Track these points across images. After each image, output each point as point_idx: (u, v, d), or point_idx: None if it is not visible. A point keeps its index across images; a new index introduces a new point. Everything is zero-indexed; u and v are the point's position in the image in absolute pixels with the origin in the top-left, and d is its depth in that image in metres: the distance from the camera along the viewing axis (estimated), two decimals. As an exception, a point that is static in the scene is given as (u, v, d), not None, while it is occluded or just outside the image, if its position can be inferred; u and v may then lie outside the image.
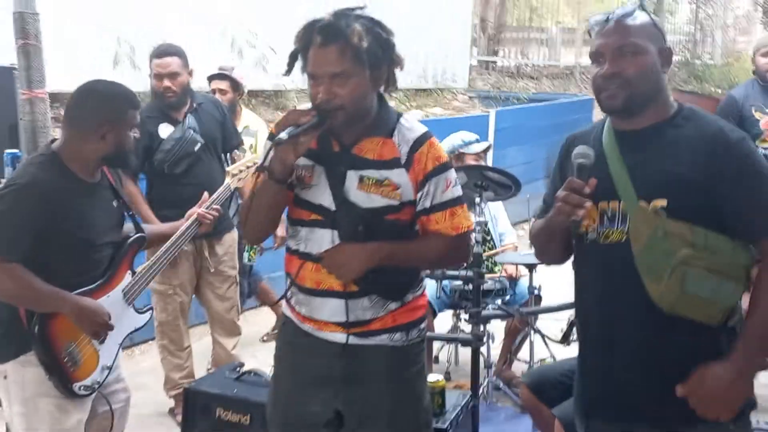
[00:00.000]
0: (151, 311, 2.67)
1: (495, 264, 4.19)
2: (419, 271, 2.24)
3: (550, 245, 2.12)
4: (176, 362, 3.85)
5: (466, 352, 3.94)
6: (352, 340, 2.13)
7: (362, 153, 2.08)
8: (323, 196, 2.08)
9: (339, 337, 2.14)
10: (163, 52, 3.67)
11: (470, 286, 3.49)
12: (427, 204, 2.10)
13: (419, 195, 2.10)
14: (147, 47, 4.00)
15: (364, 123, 2.08)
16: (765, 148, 4.28)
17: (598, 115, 11.55)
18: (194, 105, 3.77)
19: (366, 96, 2.04)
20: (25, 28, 2.97)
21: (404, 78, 7.96)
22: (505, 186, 3.57)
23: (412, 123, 2.16)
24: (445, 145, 4.29)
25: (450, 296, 3.99)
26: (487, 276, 3.80)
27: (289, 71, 2.06)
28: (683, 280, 1.85)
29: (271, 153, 2.01)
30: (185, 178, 3.68)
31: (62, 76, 6.19)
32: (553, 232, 2.05)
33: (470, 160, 4.05)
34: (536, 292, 3.94)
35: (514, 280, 4.06)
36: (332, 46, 1.96)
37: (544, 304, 4.06)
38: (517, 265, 4.01)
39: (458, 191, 2.16)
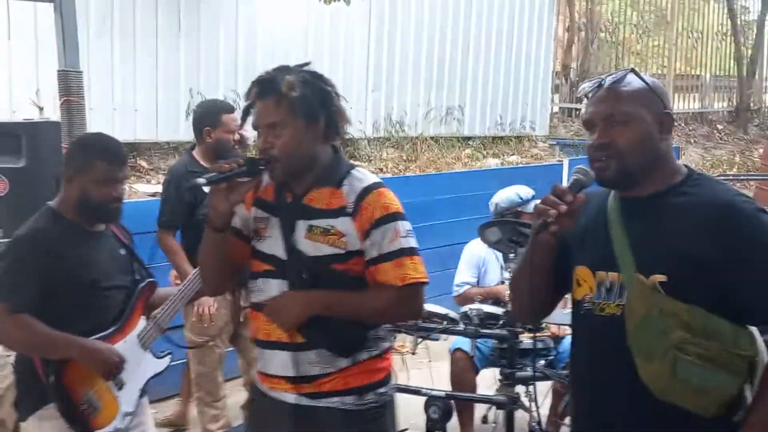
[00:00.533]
0: (170, 356, 2.68)
1: (542, 322, 4.03)
2: (370, 328, 2.14)
3: (531, 282, 1.86)
4: (213, 413, 3.86)
5: (520, 413, 3.77)
6: (303, 401, 2.10)
7: (311, 203, 2.10)
8: (276, 247, 2.11)
9: (289, 397, 2.12)
10: (232, 107, 3.85)
11: (506, 345, 3.37)
12: (374, 254, 2.07)
13: (366, 244, 2.07)
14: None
15: (314, 173, 2.11)
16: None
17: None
18: None
19: (302, 146, 2.06)
20: (69, 85, 3.11)
21: (481, 125, 8.03)
22: (541, 242, 3.45)
23: (364, 174, 2.17)
24: (500, 200, 4.20)
25: (490, 354, 3.86)
26: (527, 335, 3.66)
27: (242, 125, 2.29)
28: (674, 365, 1.70)
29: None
30: None
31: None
32: (531, 260, 1.84)
33: (527, 219, 3.94)
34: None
35: (558, 339, 3.89)
36: (268, 98, 2.04)
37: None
38: (559, 325, 3.84)
39: (409, 242, 2.10)
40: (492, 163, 9.07)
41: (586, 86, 1.86)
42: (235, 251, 2.15)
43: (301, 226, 2.09)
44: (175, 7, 6.65)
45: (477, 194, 5.96)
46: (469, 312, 3.50)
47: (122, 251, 2.56)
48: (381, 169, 8.13)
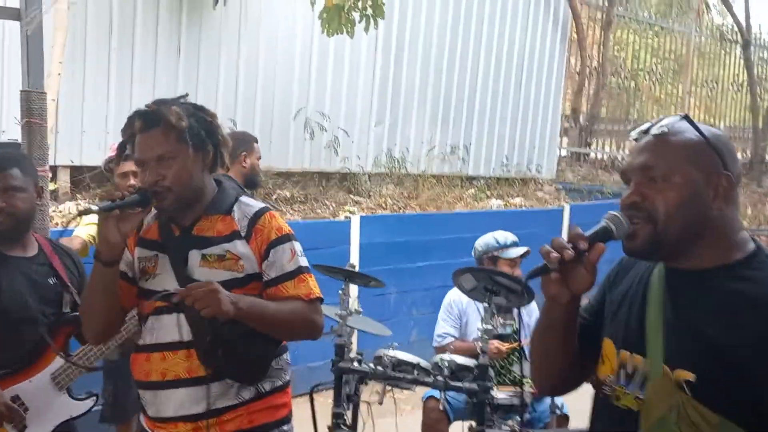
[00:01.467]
0: (94, 398, 2.48)
1: (523, 377, 3.83)
2: (272, 356, 2.12)
3: (549, 347, 1.61)
4: None
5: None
6: None
7: (202, 232, 2.10)
8: (168, 282, 2.05)
9: None
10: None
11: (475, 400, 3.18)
12: (273, 274, 2.09)
13: (264, 265, 2.06)
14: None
15: (201, 204, 2.11)
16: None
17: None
18: None
19: (193, 176, 2.07)
20: (31, 106, 3.00)
21: (485, 165, 7.87)
22: (516, 292, 3.27)
23: (252, 201, 2.20)
24: (479, 245, 4.04)
25: (464, 406, 3.67)
26: (502, 389, 3.46)
27: (118, 161, 2.37)
28: None
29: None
30: None
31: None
32: (550, 320, 1.58)
33: (503, 265, 3.78)
34: (559, 411, 3.55)
35: (536, 397, 3.68)
36: (155, 129, 2.02)
37: (573, 425, 3.66)
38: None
39: (305, 261, 2.15)
40: (495, 204, 8.91)
41: (633, 132, 1.58)
42: (122, 294, 2.08)
43: (195, 255, 2.07)
44: (176, 34, 6.60)
45: (477, 235, 5.80)
46: (440, 362, 3.32)
47: (51, 280, 2.40)
48: (380, 205, 8.00)
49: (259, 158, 4.17)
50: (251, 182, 4.00)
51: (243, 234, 2.10)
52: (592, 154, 11.67)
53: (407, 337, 6.14)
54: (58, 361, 2.39)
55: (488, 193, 9.22)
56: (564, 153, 11.23)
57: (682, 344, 1.46)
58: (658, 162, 1.49)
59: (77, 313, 2.44)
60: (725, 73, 13.92)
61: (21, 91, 3.01)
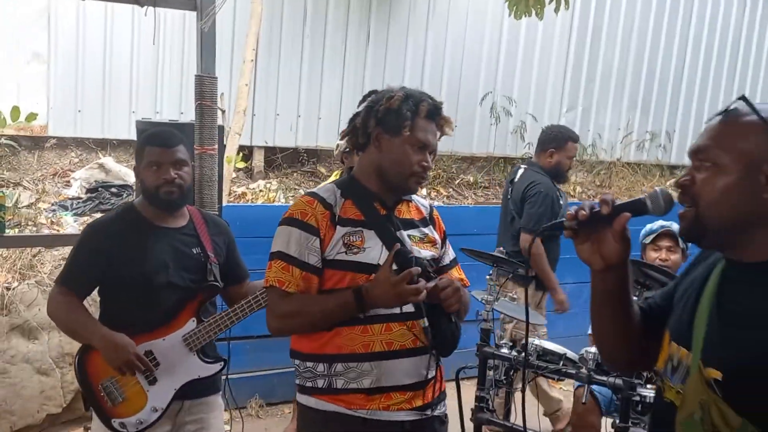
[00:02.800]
0: (222, 363, 2.66)
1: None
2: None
3: (600, 320, 1.60)
4: None
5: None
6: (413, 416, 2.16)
7: (402, 214, 2.32)
8: (378, 254, 2.20)
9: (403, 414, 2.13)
10: (577, 137, 4.68)
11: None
12: (446, 260, 2.40)
13: (441, 251, 2.41)
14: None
15: None
16: None
17: None
18: None
19: None
20: (203, 89, 3.26)
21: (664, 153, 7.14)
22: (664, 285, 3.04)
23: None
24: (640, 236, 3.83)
25: (615, 400, 3.50)
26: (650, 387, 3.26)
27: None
28: None
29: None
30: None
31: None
32: (593, 290, 1.58)
33: (651, 251, 3.55)
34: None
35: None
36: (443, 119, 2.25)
37: None
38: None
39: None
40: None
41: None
42: (312, 285, 2.21)
43: (402, 234, 2.22)
44: (366, 21, 6.82)
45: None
46: (585, 354, 3.20)
47: (195, 250, 2.61)
48: (569, 193, 7.77)
49: (571, 157, 4.53)
50: (554, 174, 4.49)
51: (429, 221, 2.32)
52: None
53: (582, 329, 5.93)
54: (190, 324, 2.58)
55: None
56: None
57: (717, 340, 1.39)
58: (709, 145, 1.43)
59: (215, 283, 2.64)
60: None
61: (195, 76, 3.28)
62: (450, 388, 5.48)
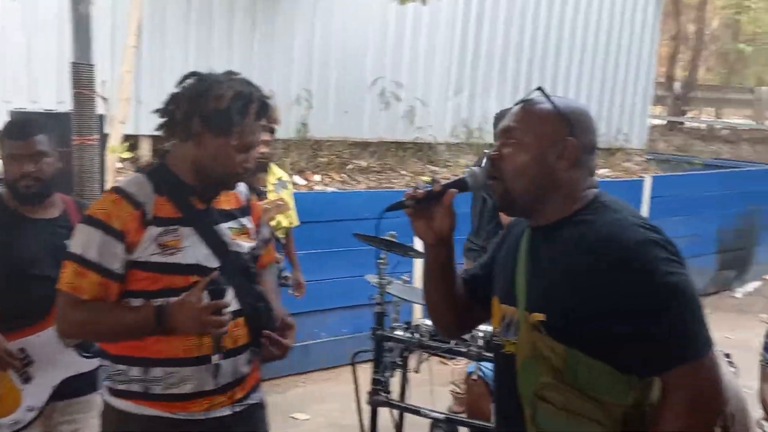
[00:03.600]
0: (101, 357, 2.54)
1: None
2: None
3: (430, 289, 1.85)
4: None
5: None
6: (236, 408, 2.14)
7: (220, 205, 2.18)
8: (200, 254, 2.11)
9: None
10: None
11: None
12: (261, 251, 2.30)
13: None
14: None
15: None
16: None
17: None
18: None
19: None
20: (79, 77, 3.14)
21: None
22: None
23: None
24: None
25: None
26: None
27: None
28: (534, 414, 1.60)
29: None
30: None
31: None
32: (425, 263, 1.83)
33: None
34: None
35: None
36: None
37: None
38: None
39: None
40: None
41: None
42: (108, 293, 2.07)
43: (222, 228, 2.11)
44: (252, 7, 6.72)
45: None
46: (475, 333, 3.29)
47: (68, 242, 2.52)
48: (457, 176, 7.93)
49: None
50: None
51: (247, 209, 2.20)
52: (688, 123, 11.15)
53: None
54: None
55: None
56: (658, 122, 10.78)
57: (536, 290, 1.65)
58: (514, 126, 1.68)
59: None
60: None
61: (71, 63, 3.15)
62: (346, 373, 5.52)
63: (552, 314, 1.60)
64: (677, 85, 10.75)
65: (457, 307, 1.86)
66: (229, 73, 2.04)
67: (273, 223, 3.75)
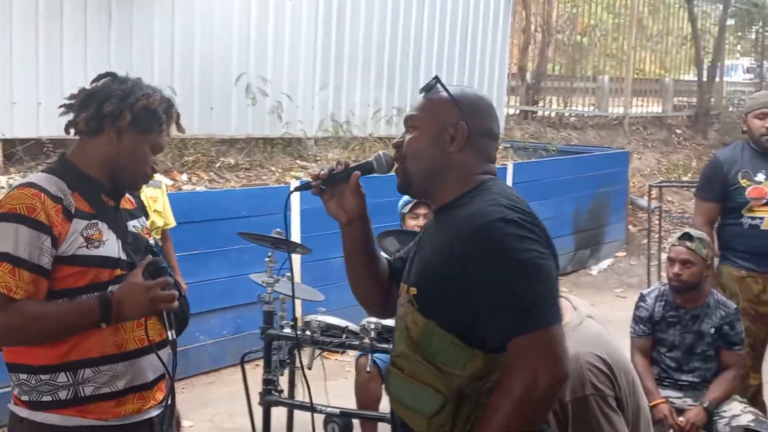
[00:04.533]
0: None
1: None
2: None
3: (349, 269, 1.96)
4: None
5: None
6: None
7: (124, 205, 2.21)
8: (115, 249, 2.11)
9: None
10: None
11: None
12: None
13: None
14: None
15: None
16: (752, 218, 3.89)
17: (635, 168, 10.98)
18: None
19: None
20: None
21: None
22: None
23: None
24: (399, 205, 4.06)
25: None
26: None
27: None
28: (387, 380, 1.77)
29: None
30: None
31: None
32: (343, 244, 1.94)
33: (409, 220, 3.82)
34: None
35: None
36: None
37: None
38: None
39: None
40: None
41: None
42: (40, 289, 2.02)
43: (129, 226, 2.14)
44: (106, 1, 6.43)
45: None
46: (366, 325, 3.35)
47: None
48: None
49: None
50: None
51: (142, 210, 2.28)
52: (540, 112, 11.73)
53: (353, 301, 6.16)
54: None
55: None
56: (512, 112, 11.26)
57: (415, 268, 1.80)
58: (415, 114, 1.83)
59: None
60: (670, 26, 14.05)
61: None
62: (228, 375, 5.44)
63: (420, 288, 1.73)
64: (528, 76, 11.27)
65: (380, 286, 1.96)
66: (140, 79, 2.11)
67: (147, 223, 3.64)
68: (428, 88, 1.84)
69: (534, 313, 1.59)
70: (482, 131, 1.80)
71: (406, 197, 3.89)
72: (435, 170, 1.79)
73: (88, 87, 2.09)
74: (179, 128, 2.18)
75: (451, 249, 1.67)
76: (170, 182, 6.49)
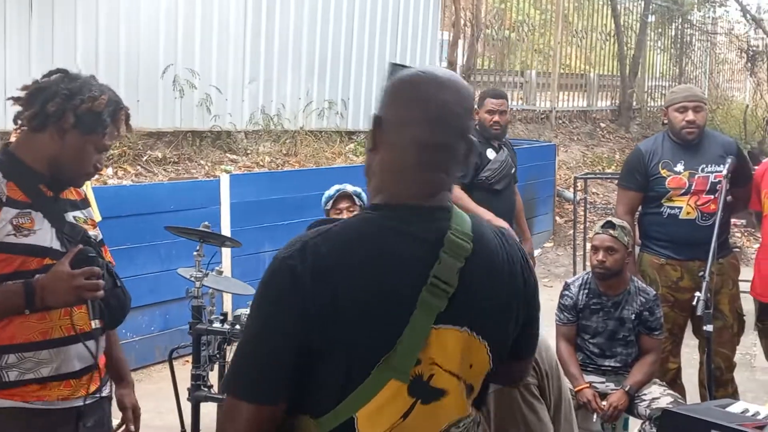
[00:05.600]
0: None
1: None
2: None
3: None
4: None
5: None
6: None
7: (67, 196, 2.22)
8: (48, 238, 2.13)
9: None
10: (498, 94, 4.84)
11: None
12: None
13: None
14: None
15: None
16: (672, 207, 4.04)
17: (561, 161, 11.22)
18: (503, 139, 4.87)
19: None
20: None
21: (365, 120, 7.81)
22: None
23: None
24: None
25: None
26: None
27: None
28: None
29: None
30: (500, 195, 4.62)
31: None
32: None
33: (333, 215, 3.80)
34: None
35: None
36: None
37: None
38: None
39: None
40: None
41: None
42: None
43: (69, 216, 2.16)
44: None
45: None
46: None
47: None
48: (258, 163, 7.91)
49: (491, 111, 4.64)
50: (482, 131, 4.63)
51: (87, 202, 2.28)
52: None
53: (284, 294, 6.14)
54: None
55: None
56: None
57: None
58: None
59: None
60: (594, 22, 14.41)
61: None
62: (157, 372, 5.35)
63: None
64: (458, 70, 11.39)
65: None
66: (93, 77, 2.14)
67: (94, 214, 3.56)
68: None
69: (228, 376, 1.46)
70: (394, 123, 1.58)
71: (329, 192, 3.87)
72: (368, 175, 1.58)
73: (40, 80, 2.12)
74: (128, 128, 2.18)
75: None
76: (95, 176, 6.33)
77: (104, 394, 2.22)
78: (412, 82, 1.49)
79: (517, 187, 5.03)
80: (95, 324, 2.05)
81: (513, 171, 4.79)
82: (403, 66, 1.66)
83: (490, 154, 4.67)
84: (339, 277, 1.38)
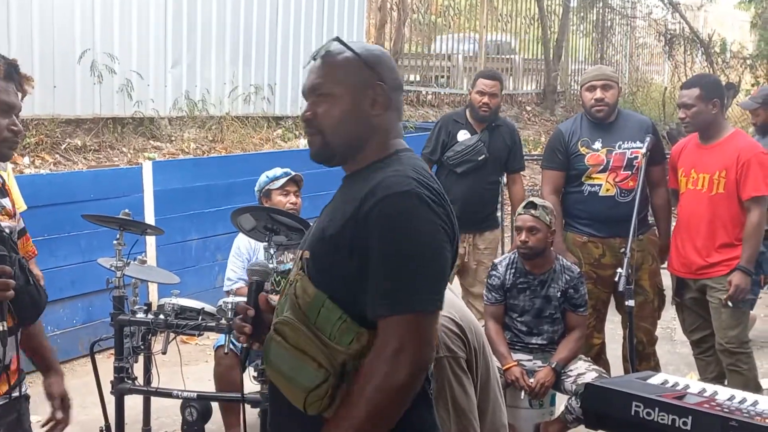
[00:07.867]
0: None
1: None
2: None
3: None
4: None
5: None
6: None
7: None
8: None
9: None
10: (491, 75, 4.75)
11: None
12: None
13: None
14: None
15: None
16: (592, 185, 4.13)
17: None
18: (493, 124, 4.71)
19: None
20: None
21: (293, 105, 7.70)
22: (296, 230, 3.27)
23: None
24: (256, 185, 4.00)
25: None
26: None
27: None
28: (268, 347, 1.66)
29: None
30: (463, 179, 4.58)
31: None
32: None
33: (277, 196, 3.78)
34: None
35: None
36: None
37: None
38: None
39: None
40: (303, 143, 8.87)
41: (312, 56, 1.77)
42: None
43: None
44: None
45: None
46: (224, 306, 3.28)
47: None
48: (183, 150, 7.73)
49: (481, 92, 4.58)
50: (471, 109, 4.69)
51: (4, 192, 2.16)
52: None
53: (213, 282, 6.05)
54: None
55: (297, 132, 9.16)
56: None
57: (313, 231, 1.73)
58: (321, 81, 1.69)
59: None
60: (523, 7, 14.58)
61: None
62: (80, 366, 5.20)
63: (312, 251, 1.66)
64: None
65: None
66: None
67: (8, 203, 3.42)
68: (325, 52, 1.70)
69: (407, 295, 1.52)
70: (395, 86, 1.74)
71: (272, 173, 3.86)
72: (359, 138, 1.69)
73: None
74: (22, 89, 2.04)
75: (349, 215, 1.59)
76: (11, 166, 6.08)
77: (16, 394, 2.11)
78: (387, 54, 1.79)
79: (519, 176, 4.91)
80: (3, 326, 1.93)
81: (482, 158, 4.62)
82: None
83: (461, 135, 4.62)
84: (445, 201, 1.66)
